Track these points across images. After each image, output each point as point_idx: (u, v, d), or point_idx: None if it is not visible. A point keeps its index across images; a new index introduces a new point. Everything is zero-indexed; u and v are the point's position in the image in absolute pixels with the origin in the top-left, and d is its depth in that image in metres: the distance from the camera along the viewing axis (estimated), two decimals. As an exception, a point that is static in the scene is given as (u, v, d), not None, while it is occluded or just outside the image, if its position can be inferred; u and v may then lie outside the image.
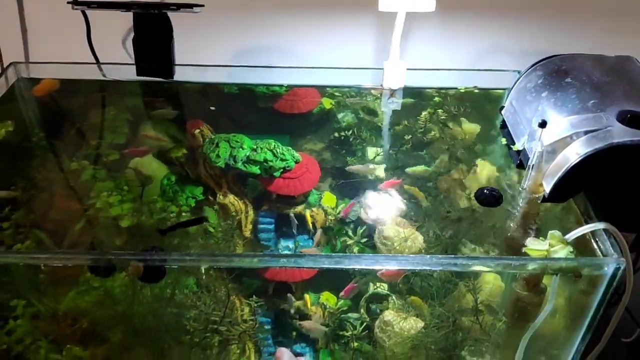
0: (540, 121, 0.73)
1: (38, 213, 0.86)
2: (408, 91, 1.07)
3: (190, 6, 0.85)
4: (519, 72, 0.99)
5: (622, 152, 0.69)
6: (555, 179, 0.72)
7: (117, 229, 0.84)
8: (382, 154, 1.02)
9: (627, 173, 0.72)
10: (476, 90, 1.06)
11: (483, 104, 1.07)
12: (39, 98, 1.03)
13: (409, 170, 0.96)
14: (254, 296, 0.86)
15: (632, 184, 0.73)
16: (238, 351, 0.91)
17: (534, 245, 0.69)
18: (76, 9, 0.88)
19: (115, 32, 1.08)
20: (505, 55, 1.14)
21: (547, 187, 0.74)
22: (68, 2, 0.88)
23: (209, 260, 0.74)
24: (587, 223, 0.72)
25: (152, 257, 0.67)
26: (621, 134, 0.70)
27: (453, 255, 0.75)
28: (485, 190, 0.85)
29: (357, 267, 0.71)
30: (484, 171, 0.93)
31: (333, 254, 0.87)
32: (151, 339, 0.85)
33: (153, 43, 0.95)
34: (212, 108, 1.06)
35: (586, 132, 0.71)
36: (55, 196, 0.89)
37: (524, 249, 0.70)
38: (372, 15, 0.99)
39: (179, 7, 0.86)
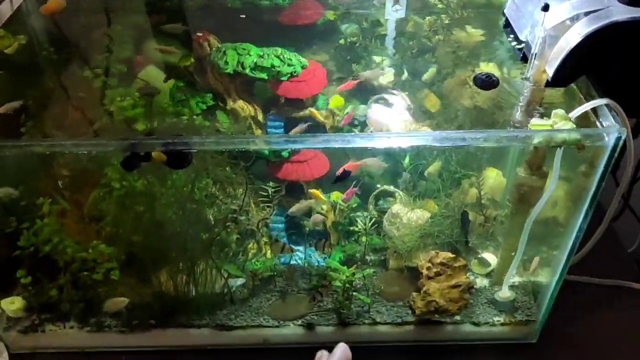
0: (543, 5, 0.75)
1: (53, 120, 0.89)
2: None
3: None
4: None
5: (622, 29, 0.70)
6: (558, 62, 0.74)
7: (133, 132, 0.86)
8: (387, 59, 1.04)
9: (628, 52, 0.73)
10: (478, -5, 1.06)
11: (486, 10, 1.08)
12: (46, 17, 1.04)
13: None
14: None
15: (633, 64, 0.75)
16: (254, 250, 0.96)
17: (539, 122, 0.72)
18: None
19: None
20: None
21: (550, 72, 0.75)
22: None
23: (227, 143, 0.76)
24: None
25: (174, 141, 0.70)
26: (621, 12, 0.71)
27: (462, 131, 0.77)
28: (482, 76, 0.88)
29: (365, 145, 0.73)
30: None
31: (340, 135, 0.90)
32: (172, 237, 0.89)
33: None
34: (243, 16, 1.07)
35: (587, 13, 0.73)
36: (69, 104, 0.91)
37: (529, 126, 0.72)
38: None
39: None
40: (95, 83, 0.92)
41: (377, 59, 1.04)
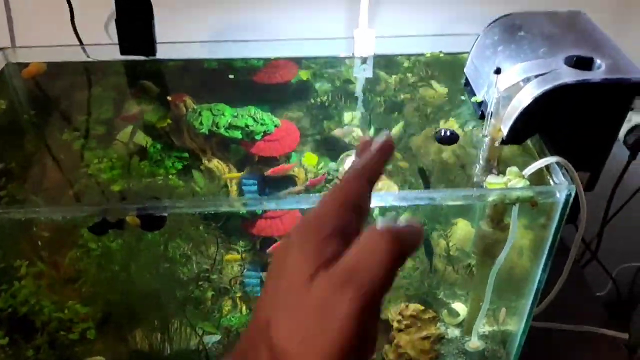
0: (495, 68, 0.80)
1: (32, 183, 0.92)
2: (379, 58, 1.13)
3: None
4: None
5: (569, 91, 0.75)
6: (511, 121, 0.79)
7: (109, 193, 0.89)
8: (358, 117, 1.08)
9: (574, 112, 0.78)
10: (442, 55, 1.12)
11: (450, 67, 1.13)
12: (27, 81, 1.08)
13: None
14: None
15: (581, 123, 0.80)
16: (229, 307, 0.98)
17: (494, 180, 0.75)
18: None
19: (96, 15, 1.13)
20: (471, 21, 1.20)
21: (505, 130, 0.80)
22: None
23: (201, 205, 0.79)
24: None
25: (147, 206, 0.73)
26: (567, 74, 0.76)
27: (417, 190, 0.81)
28: (442, 132, 0.92)
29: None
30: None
31: (310, 194, 0.93)
32: (147, 295, 0.91)
33: (135, 23, 1.00)
34: (231, 76, 1.12)
35: (537, 76, 0.78)
36: (47, 167, 0.94)
37: (484, 184, 0.76)
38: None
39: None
40: (74, 145, 0.95)
41: (347, 116, 1.08)
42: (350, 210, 0.37)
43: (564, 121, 0.80)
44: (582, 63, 0.79)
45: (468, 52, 1.11)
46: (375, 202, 0.77)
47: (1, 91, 1.06)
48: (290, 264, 0.36)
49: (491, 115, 0.83)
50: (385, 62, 1.14)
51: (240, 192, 0.99)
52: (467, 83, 0.99)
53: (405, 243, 0.35)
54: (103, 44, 1.11)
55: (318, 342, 0.33)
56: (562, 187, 0.72)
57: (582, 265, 1.35)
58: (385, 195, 0.78)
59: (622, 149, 1.24)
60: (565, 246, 0.88)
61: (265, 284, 0.38)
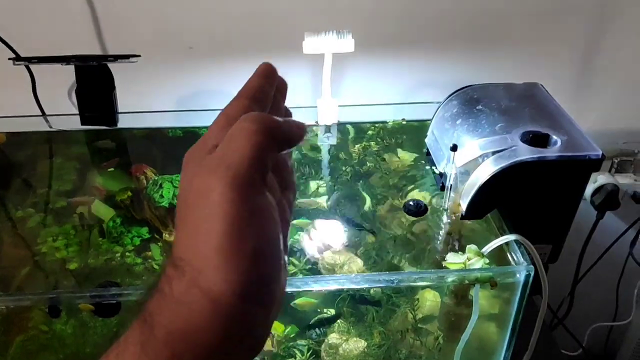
0: (451, 145, 0.80)
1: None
2: (343, 126, 1.14)
3: (127, 57, 0.90)
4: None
5: (525, 168, 0.76)
6: (469, 197, 0.79)
7: (64, 272, 0.87)
8: (323, 186, 1.08)
9: (532, 188, 0.79)
10: (404, 122, 1.13)
11: (414, 135, 1.14)
12: (-15, 152, 1.06)
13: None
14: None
15: (540, 198, 0.80)
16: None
17: (453, 259, 0.75)
18: (18, 64, 0.92)
19: (59, 84, 1.12)
20: (433, 88, 1.22)
21: (464, 205, 0.80)
22: (9, 59, 0.93)
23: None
24: (501, 234, 0.78)
25: (100, 294, 0.70)
26: (524, 152, 0.77)
27: (377, 273, 0.80)
28: (411, 202, 0.92)
29: (297, 290, 0.75)
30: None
31: None
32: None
33: (95, 93, 0.99)
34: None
35: (494, 153, 0.78)
36: (1, 244, 0.91)
37: (443, 263, 0.75)
38: (303, 56, 1.06)
39: (116, 58, 0.91)
40: (31, 222, 0.93)
41: (313, 185, 1.08)
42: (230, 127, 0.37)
43: (523, 197, 0.80)
44: (538, 139, 0.79)
45: (429, 120, 1.14)
46: (335, 285, 0.76)
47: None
48: (183, 182, 0.37)
49: (450, 190, 0.83)
50: (349, 130, 1.14)
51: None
52: (429, 153, 0.99)
53: (275, 126, 0.36)
54: (65, 114, 1.09)
55: (202, 232, 0.33)
56: (521, 268, 0.71)
57: (552, 327, 1.34)
58: (344, 278, 0.77)
59: (589, 207, 1.25)
60: (536, 308, 0.87)
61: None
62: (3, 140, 1.08)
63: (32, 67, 1.05)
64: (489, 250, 0.76)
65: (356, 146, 1.09)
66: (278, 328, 0.95)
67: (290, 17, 1.11)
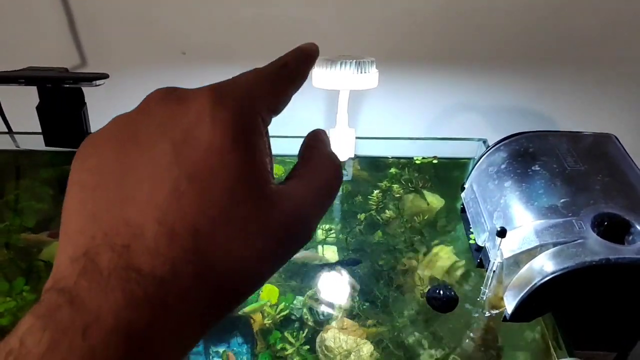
0: (499, 228, 0.61)
1: None
2: (361, 161, 0.95)
3: (90, 80, 0.72)
4: (484, 141, 0.88)
5: (597, 271, 0.57)
6: (518, 298, 0.60)
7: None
8: (333, 234, 0.90)
9: (602, 292, 0.60)
10: (435, 161, 0.94)
11: (445, 175, 0.95)
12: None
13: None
14: None
15: (608, 302, 0.61)
16: None
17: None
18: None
19: (28, 100, 0.95)
20: (472, 113, 1.02)
21: (509, 307, 0.61)
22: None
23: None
24: (555, 350, 0.60)
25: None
26: (595, 249, 0.57)
27: None
28: (438, 290, 0.73)
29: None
30: (441, 261, 0.81)
31: None
32: None
33: (61, 113, 0.82)
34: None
35: (555, 244, 0.59)
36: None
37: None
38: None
39: (76, 80, 0.73)
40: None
41: (320, 234, 0.90)
42: None
43: (588, 300, 0.61)
44: (615, 227, 0.60)
45: (466, 158, 0.94)
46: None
47: None
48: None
49: (492, 279, 0.65)
50: (368, 166, 0.96)
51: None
52: (464, 210, 0.80)
53: None
54: (34, 133, 0.92)
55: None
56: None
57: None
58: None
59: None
60: None
61: None
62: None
63: None
64: (539, 376, 0.58)
65: (375, 192, 0.90)
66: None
67: (299, 24, 0.91)
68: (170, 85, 0.28)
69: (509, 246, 0.62)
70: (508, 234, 0.62)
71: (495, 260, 0.63)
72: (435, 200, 0.91)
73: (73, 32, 0.92)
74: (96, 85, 0.71)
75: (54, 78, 0.74)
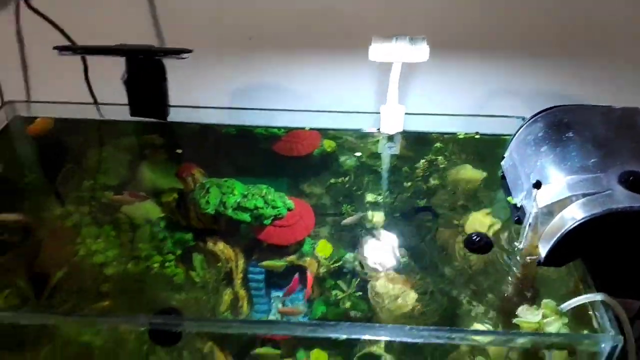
0: (534, 181, 0.70)
1: (25, 257, 0.85)
2: (408, 136, 1.04)
3: (178, 52, 0.84)
4: (523, 118, 0.96)
5: (621, 218, 0.65)
6: (551, 243, 0.68)
7: (101, 276, 0.82)
8: (380, 200, 0.99)
9: (627, 239, 0.67)
10: (477, 136, 1.02)
11: (486, 150, 1.03)
12: (32, 137, 1.03)
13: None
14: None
15: (632, 250, 0.68)
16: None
17: (526, 316, 0.65)
18: (63, 54, 0.87)
19: (112, 72, 1.07)
20: (512, 98, 1.10)
21: (543, 252, 0.70)
22: (54, 48, 0.88)
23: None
24: (584, 291, 0.67)
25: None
26: (621, 198, 0.65)
27: (434, 327, 0.70)
28: (474, 236, 0.82)
29: (335, 335, 0.67)
30: (480, 222, 0.89)
31: (310, 322, 0.83)
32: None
33: (145, 85, 0.94)
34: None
35: (584, 195, 0.67)
36: (42, 240, 0.88)
37: (514, 320, 0.65)
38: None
39: (166, 53, 0.85)
40: (71, 219, 0.89)
41: (370, 197, 0.99)
42: None
43: (613, 247, 0.68)
44: (639, 183, 0.68)
45: (507, 136, 1.02)
46: (387, 336, 0.67)
47: (5, 148, 1.01)
48: None
49: (528, 229, 0.73)
50: (414, 140, 1.04)
51: (246, 281, 0.90)
52: (504, 177, 0.89)
53: None
54: (115, 104, 1.04)
55: None
56: (606, 337, 0.61)
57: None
58: (396, 329, 0.68)
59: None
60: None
61: None
62: (50, 126, 1.04)
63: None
64: (568, 308, 0.66)
65: (421, 161, 0.99)
66: (321, 357, 0.88)
67: (360, 14, 1.01)
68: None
69: (544, 198, 0.70)
70: (543, 188, 0.70)
71: (531, 211, 0.71)
72: (476, 173, 0.99)
73: (153, 16, 1.04)
74: (182, 58, 0.83)
75: (146, 50, 0.86)
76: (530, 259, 0.72)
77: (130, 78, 0.93)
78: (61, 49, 0.86)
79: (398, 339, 0.67)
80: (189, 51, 0.84)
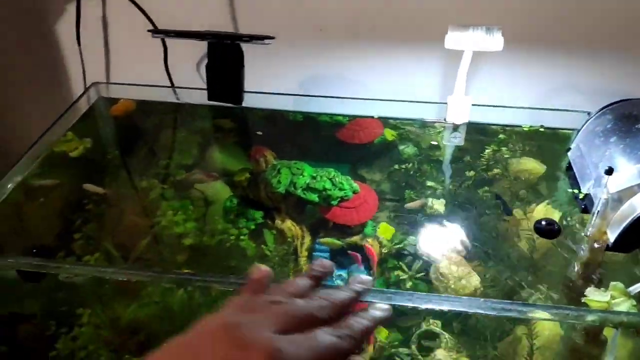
0: (607, 167, 0.72)
1: (108, 226, 0.92)
2: (472, 127, 1.06)
3: (262, 38, 0.88)
4: (588, 113, 0.97)
5: (694, 205, 0.66)
6: (620, 228, 0.70)
7: (180, 246, 0.88)
8: (441, 188, 1.02)
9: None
10: (542, 129, 1.04)
11: (549, 144, 1.05)
12: (116, 117, 1.10)
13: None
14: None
15: None
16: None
17: (595, 296, 0.67)
18: (156, 37, 0.93)
19: (190, 57, 1.13)
20: (576, 94, 1.11)
21: (612, 236, 0.71)
22: (148, 31, 0.94)
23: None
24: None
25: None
26: (695, 186, 0.67)
27: (509, 301, 0.73)
28: (543, 222, 0.84)
29: (411, 305, 0.71)
30: (543, 213, 0.90)
31: (386, 290, 0.87)
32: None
33: (225, 70, 0.99)
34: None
35: (657, 182, 0.69)
36: (124, 211, 0.94)
37: (583, 299, 0.67)
38: (438, 49, 0.99)
39: (251, 38, 0.90)
40: (153, 193, 0.94)
41: (431, 185, 1.02)
42: None
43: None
44: None
45: (570, 130, 1.03)
46: (459, 307, 0.70)
47: (90, 127, 1.08)
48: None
49: (596, 215, 0.75)
50: (478, 131, 1.07)
51: (311, 258, 0.94)
52: (570, 168, 0.90)
53: None
54: (191, 88, 1.10)
55: None
56: (678, 319, 0.62)
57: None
58: (470, 300, 0.71)
59: None
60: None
61: None
62: (132, 108, 1.11)
63: (168, 40, 1.07)
64: (637, 291, 0.67)
65: (486, 150, 1.01)
66: (381, 333, 0.92)
67: (428, 6, 1.04)
68: (234, 318, 0.38)
69: (614, 185, 0.72)
70: (613, 175, 0.72)
71: (601, 197, 0.73)
72: (538, 166, 1.01)
73: (230, 3, 1.09)
74: (266, 44, 0.87)
75: (231, 35, 0.91)
76: (598, 244, 0.74)
77: (211, 63, 0.98)
78: (155, 32, 0.92)
79: (472, 311, 0.69)
80: (272, 38, 0.89)
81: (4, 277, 0.86)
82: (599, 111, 0.86)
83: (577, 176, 0.85)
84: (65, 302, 0.87)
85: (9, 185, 0.89)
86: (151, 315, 0.85)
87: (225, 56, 0.97)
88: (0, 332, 0.90)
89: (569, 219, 0.86)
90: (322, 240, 0.93)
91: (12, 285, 0.87)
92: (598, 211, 0.74)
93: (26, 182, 0.93)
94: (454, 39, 0.86)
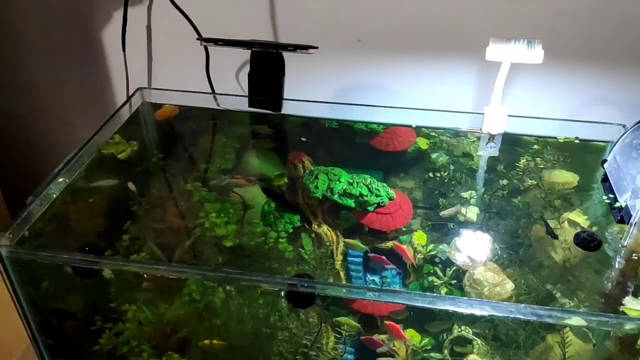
0: (645, 180, 0.73)
1: (152, 227, 0.95)
2: (507, 137, 1.08)
3: (306, 48, 0.91)
4: (624, 126, 0.98)
5: None
6: (659, 239, 0.71)
7: (220, 248, 0.91)
8: (475, 197, 1.03)
9: None
10: (577, 141, 1.05)
11: (583, 155, 1.06)
12: (159, 122, 1.14)
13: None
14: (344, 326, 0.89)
15: None
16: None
17: (633, 305, 0.68)
18: (204, 45, 0.97)
19: (230, 65, 1.17)
20: (610, 107, 1.12)
21: (650, 247, 0.72)
22: (197, 39, 0.97)
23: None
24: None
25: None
26: None
27: (548, 307, 0.74)
28: (584, 235, 0.85)
29: (450, 308, 0.72)
30: (574, 223, 0.92)
31: (427, 294, 0.89)
32: (244, 356, 0.91)
33: (266, 78, 1.02)
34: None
35: (696, 194, 0.70)
36: (168, 213, 0.97)
37: (621, 308, 0.69)
38: (476, 59, 1.02)
39: (295, 48, 0.93)
40: (195, 195, 0.98)
41: (464, 194, 1.04)
42: None
43: None
44: None
45: (605, 142, 1.04)
46: (497, 312, 0.72)
47: (135, 131, 1.12)
48: None
49: (634, 226, 0.76)
50: (512, 142, 1.08)
51: (346, 262, 0.97)
52: (606, 179, 0.91)
53: None
54: (232, 95, 1.14)
55: None
56: None
57: None
58: (509, 306, 0.72)
59: None
60: None
61: None
62: (175, 113, 1.14)
63: (210, 47, 1.10)
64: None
65: (521, 160, 1.03)
66: (415, 338, 0.93)
67: (467, 18, 1.06)
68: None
69: (652, 197, 0.73)
70: (651, 187, 0.73)
71: (638, 208, 0.74)
72: (570, 176, 1.02)
73: (272, 14, 1.13)
74: (310, 54, 0.90)
75: (276, 44, 0.94)
76: (635, 255, 0.75)
77: (253, 71, 1.02)
78: (203, 40, 0.95)
79: (512, 316, 0.71)
80: (315, 47, 0.92)
81: (54, 274, 0.90)
82: (636, 124, 0.87)
83: (614, 188, 0.86)
84: (109, 299, 0.91)
85: (58, 186, 0.93)
86: (192, 313, 0.88)
87: (267, 65, 1.00)
88: (47, 326, 0.93)
89: (608, 230, 0.87)
90: (346, 240, 0.95)
91: (61, 282, 0.91)
92: (636, 222, 0.75)
93: (75, 183, 0.96)
94: (496, 51, 0.88)
